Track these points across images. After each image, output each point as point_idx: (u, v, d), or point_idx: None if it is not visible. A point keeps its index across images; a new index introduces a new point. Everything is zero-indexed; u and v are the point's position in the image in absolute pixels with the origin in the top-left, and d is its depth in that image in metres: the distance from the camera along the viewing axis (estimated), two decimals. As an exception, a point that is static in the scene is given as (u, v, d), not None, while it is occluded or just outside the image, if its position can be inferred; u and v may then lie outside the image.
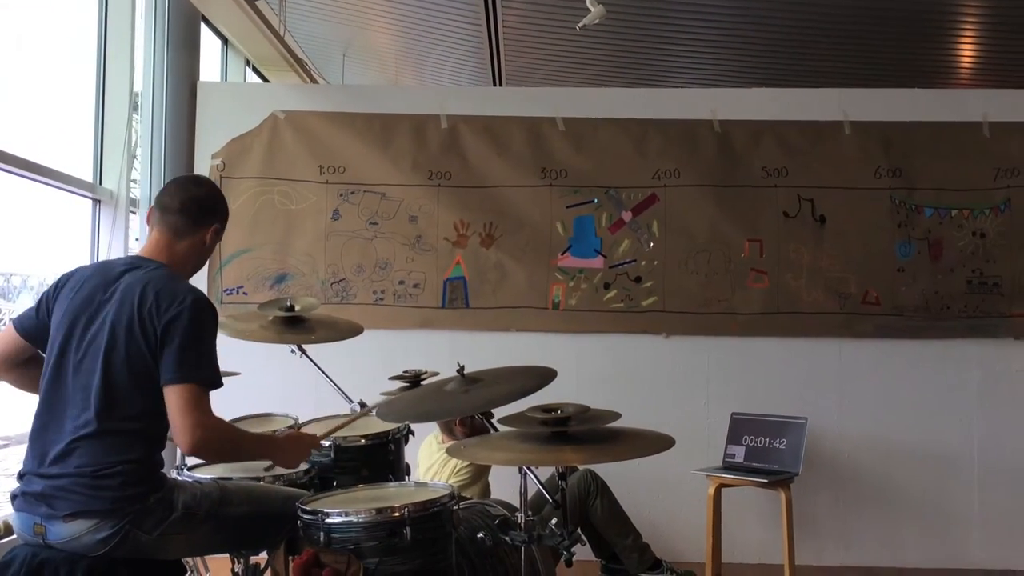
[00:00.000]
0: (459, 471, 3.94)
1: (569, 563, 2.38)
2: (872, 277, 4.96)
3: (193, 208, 2.51)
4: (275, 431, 3.22)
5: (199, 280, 4.54)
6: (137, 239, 4.90)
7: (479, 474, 3.98)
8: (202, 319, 2.35)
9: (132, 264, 2.46)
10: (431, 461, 4.05)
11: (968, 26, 6.05)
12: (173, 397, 2.27)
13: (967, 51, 6.50)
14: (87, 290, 2.41)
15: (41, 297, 2.50)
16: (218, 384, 2.36)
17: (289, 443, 2.62)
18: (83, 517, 2.23)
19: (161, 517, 2.30)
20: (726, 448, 4.64)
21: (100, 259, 4.55)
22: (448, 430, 4.03)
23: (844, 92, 5.14)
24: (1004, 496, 4.89)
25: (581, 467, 4.24)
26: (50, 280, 2.54)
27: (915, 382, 4.95)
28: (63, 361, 2.36)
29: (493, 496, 3.90)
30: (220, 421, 2.38)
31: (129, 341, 2.30)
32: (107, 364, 2.30)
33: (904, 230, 4.98)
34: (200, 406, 2.28)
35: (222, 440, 2.37)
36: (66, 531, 2.23)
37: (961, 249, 4.97)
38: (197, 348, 2.32)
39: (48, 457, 2.29)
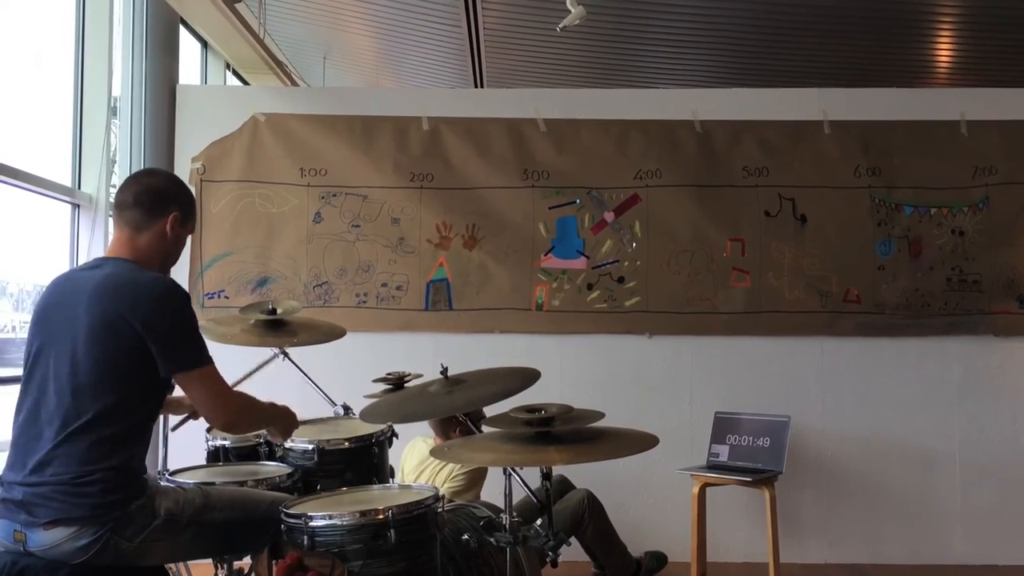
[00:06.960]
0: (454, 477, 3.90)
1: (555, 564, 2.38)
2: (853, 275, 4.99)
3: (147, 198, 2.47)
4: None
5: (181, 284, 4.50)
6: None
7: (474, 481, 3.94)
8: (182, 302, 2.37)
9: (95, 265, 2.44)
10: (422, 465, 4.00)
11: (945, 25, 6.10)
12: (194, 383, 2.36)
13: (944, 50, 6.56)
14: (53, 297, 2.41)
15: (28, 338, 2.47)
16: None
17: (281, 414, 2.71)
18: (63, 524, 2.21)
19: (143, 524, 2.28)
20: (710, 447, 4.66)
21: (80, 264, 4.52)
22: (445, 434, 3.96)
23: (824, 92, 5.17)
24: (985, 491, 4.93)
25: (580, 488, 4.23)
26: (29, 286, 2.52)
27: (896, 379, 4.99)
28: (37, 369, 2.34)
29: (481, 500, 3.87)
30: (239, 393, 2.51)
31: (103, 340, 2.28)
32: (82, 367, 2.28)
33: (884, 228, 5.02)
34: (221, 383, 2.40)
35: (245, 409, 2.51)
36: (46, 538, 2.21)
37: (940, 247, 5.01)
38: (190, 331, 2.36)
39: (28, 465, 2.26)
